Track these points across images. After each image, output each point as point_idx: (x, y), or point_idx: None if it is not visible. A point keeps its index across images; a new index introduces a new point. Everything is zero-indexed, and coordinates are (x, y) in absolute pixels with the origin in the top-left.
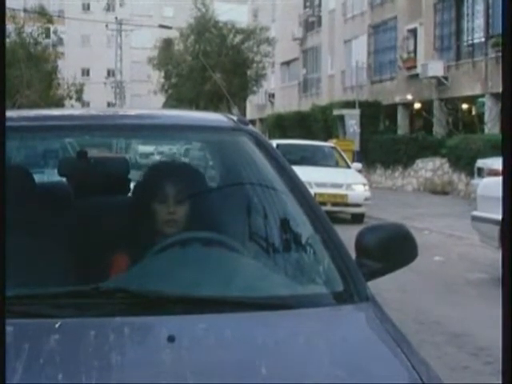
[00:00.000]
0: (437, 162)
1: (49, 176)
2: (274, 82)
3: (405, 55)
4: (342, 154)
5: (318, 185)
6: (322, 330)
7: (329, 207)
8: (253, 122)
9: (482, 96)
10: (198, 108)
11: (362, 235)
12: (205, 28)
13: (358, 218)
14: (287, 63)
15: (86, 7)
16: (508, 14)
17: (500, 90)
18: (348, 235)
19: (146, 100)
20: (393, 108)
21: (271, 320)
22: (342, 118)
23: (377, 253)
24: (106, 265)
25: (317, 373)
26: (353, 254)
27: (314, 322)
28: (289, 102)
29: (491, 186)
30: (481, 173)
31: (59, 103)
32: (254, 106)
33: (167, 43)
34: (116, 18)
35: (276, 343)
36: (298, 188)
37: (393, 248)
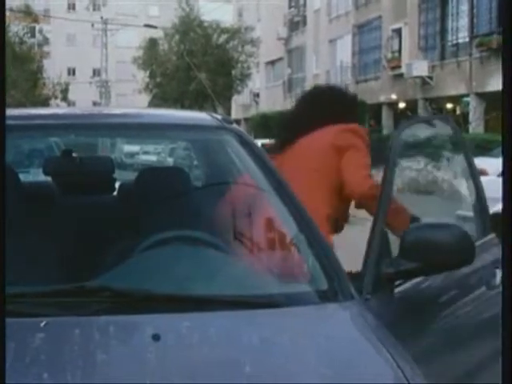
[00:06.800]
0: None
1: (34, 175)
2: (259, 81)
3: (389, 55)
4: None
5: None
6: (307, 329)
7: None
8: (238, 121)
9: (467, 96)
10: (182, 107)
11: (419, 232)
12: (189, 27)
13: None
14: (272, 63)
15: (72, 6)
16: (508, 13)
17: (484, 89)
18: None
19: (131, 99)
20: (377, 107)
21: (256, 318)
22: None
23: (444, 251)
24: (91, 263)
25: (302, 371)
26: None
27: (298, 321)
28: (273, 101)
29: None
30: None
31: (45, 103)
32: (239, 105)
33: (152, 43)
34: (101, 17)
35: (261, 341)
36: (282, 187)
37: (456, 249)
